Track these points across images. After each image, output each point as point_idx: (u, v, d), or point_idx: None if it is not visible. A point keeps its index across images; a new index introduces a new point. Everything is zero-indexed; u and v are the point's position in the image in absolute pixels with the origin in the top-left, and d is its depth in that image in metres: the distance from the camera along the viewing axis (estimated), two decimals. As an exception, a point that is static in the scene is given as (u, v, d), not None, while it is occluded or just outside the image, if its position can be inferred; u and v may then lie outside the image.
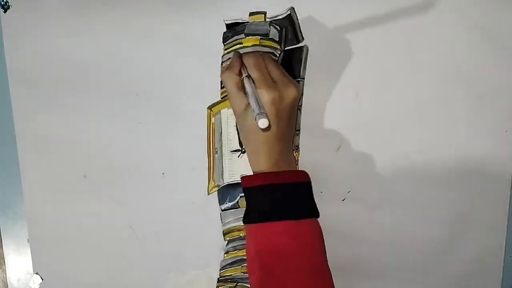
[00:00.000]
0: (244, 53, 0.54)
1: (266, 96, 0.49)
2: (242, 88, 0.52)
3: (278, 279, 0.48)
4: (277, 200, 0.50)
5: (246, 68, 0.52)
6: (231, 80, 0.52)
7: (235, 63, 0.53)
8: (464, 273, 0.60)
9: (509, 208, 0.58)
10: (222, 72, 0.54)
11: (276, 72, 0.52)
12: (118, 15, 0.61)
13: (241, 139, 0.54)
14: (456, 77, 0.57)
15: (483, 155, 0.58)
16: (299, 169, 0.59)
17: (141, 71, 0.62)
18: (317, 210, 0.51)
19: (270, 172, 0.51)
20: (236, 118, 0.55)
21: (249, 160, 0.54)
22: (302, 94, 0.58)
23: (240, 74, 0.52)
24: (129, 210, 0.65)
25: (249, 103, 0.50)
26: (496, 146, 0.58)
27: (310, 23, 0.57)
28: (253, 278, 0.51)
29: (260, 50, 0.58)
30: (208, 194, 0.62)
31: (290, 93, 0.50)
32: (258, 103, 0.47)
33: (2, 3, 0.62)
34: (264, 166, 0.51)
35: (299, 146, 0.60)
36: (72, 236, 0.67)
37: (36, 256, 0.69)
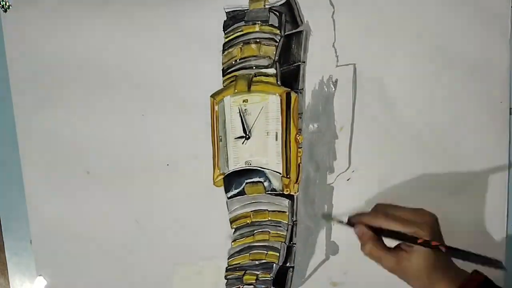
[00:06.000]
0: (361, 218, 0.54)
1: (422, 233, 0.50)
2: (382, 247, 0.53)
3: None
4: None
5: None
6: (376, 249, 0.52)
7: (364, 234, 0.53)
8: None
9: (508, 199, 0.60)
10: (364, 250, 0.53)
11: (402, 211, 0.53)
12: (118, 9, 0.62)
13: (417, 284, 0.53)
14: (445, 50, 0.59)
15: (478, 136, 0.60)
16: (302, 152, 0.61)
17: (143, 63, 0.62)
18: None
19: None
20: (402, 275, 0.53)
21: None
22: (304, 76, 0.60)
23: (375, 238, 0.53)
24: (134, 203, 0.65)
25: (405, 251, 0.51)
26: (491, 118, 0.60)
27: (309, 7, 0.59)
28: None
29: (260, 36, 0.59)
30: (214, 182, 0.63)
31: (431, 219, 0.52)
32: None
33: (2, 2, 0.63)
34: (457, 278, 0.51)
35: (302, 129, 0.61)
36: (76, 234, 0.67)
37: (39, 258, 0.68)
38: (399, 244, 0.53)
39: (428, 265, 0.51)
